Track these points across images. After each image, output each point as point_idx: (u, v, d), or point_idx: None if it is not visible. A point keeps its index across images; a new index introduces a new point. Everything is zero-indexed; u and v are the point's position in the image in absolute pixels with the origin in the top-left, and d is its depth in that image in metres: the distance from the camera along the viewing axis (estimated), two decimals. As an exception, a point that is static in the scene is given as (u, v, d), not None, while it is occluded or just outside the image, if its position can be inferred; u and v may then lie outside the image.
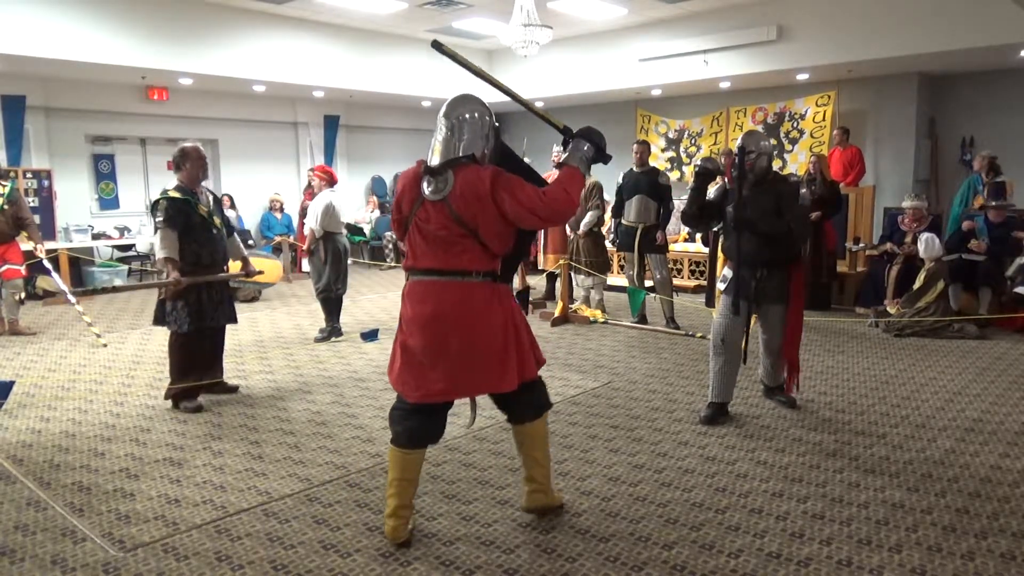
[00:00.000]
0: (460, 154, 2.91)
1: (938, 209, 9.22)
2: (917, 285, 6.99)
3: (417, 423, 3.00)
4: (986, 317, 6.83)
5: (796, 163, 10.48)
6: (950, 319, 6.76)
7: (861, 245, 8.40)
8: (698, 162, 4.60)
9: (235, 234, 5.16)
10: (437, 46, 3.05)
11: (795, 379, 4.69)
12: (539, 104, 13.41)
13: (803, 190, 4.56)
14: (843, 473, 3.71)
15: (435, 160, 2.94)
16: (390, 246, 12.48)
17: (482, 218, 2.87)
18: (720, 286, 4.64)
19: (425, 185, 2.96)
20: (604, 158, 3.09)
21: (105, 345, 6.69)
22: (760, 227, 4.35)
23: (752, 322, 4.67)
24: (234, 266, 5.15)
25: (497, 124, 3.07)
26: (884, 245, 7.77)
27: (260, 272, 5.33)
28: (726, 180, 4.67)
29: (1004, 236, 7.22)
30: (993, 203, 7.44)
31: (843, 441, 4.15)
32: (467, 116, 2.96)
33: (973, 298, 7.29)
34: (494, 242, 2.93)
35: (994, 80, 9.91)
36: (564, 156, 3.04)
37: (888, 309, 7.25)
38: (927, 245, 6.92)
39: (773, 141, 10.71)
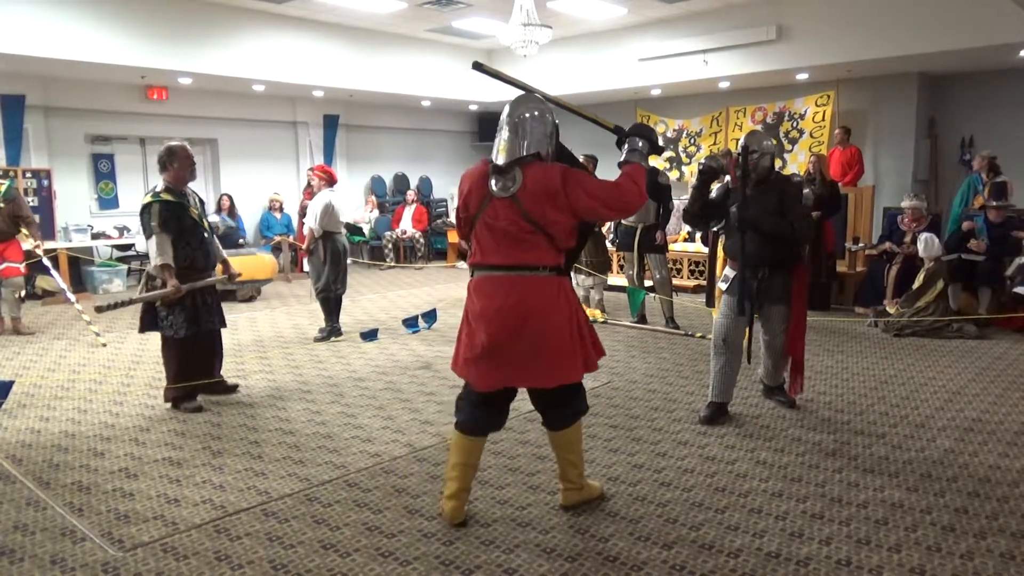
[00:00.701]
0: (525, 152, 2.99)
1: (937, 209, 9.23)
2: (916, 285, 7.00)
3: (483, 412, 3.16)
4: (986, 317, 6.84)
5: (796, 163, 10.48)
6: (949, 319, 6.76)
7: (860, 245, 8.40)
8: (700, 161, 4.57)
9: (214, 236, 5.12)
10: (478, 66, 3.20)
11: (800, 379, 4.65)
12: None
13: (806, 190, 4.56)
14: (842, 473, 3.71)
15: (501, 159, 3.01)
16: (389, 246, 12.49)
17: (552, 214, 2.96)
18: (721, 286, 4.63)
19: (493, 183, 3.04)
20: (658, 150, 3.26)
21: (104, 345, 6.69)
22: (763, 227, 4.34)
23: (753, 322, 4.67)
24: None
25: (557, 122, 3.12)
26: (883, 245, 7.78)
27: (239, 274, 5.32)
28: (728, 179, 4.67)
29: (1004, 236, 7.22)
30: (994, 203, 7.44)
31: (842, 441, 4.15)
32: (529, 115, 3.04)
33: (972, 298, 7.30)
34: (562, 236, 3.02)
35: (994, 80, 9.91)
36: (624, 155, 3.16)
37: (887, 309, 7.25)
38: (927, 245, 6.92)
39: (773, 141, 10.72)
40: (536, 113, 3.04)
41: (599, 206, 2.99)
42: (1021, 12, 7.13)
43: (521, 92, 3.15)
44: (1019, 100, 9.70)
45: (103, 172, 10.98)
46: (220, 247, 5.19)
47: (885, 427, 4.37)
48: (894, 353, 6.17)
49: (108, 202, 11.04)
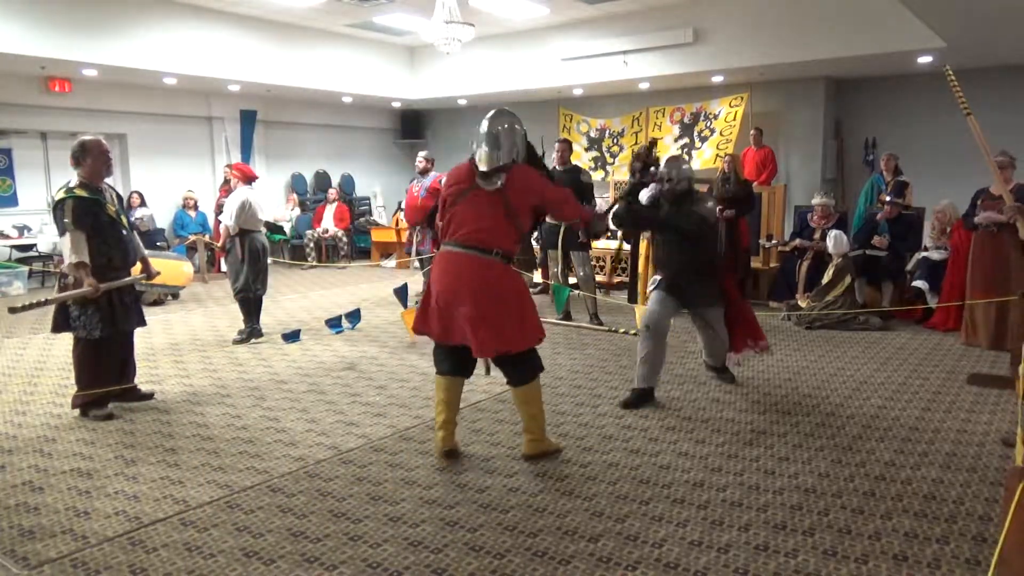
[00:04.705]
0: (503, 161, 3.65)
1: (844, 207, 9.67)
2: (826, 279, 7.32)
3: (445, 356, 3.85)
4: (889, 310, 7.22)
5: (701, 159, 10.77)
6: (856, 312, 7.11)
7: (774, 242, 8.72)
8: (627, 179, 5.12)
9: (135, 233, 4.93)
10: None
11: (746, 341, 5.10)
12: (462, 103, 13.40)
13: (709, 203, 5.00)
14: (759, 461, 3.85)
15: (483, 166, 3.66)
16: (311, 245, 12.23)
17: (526, 206, 3.70)
18: (650, 288, 5.13)
19: (479, 179, 3.68)
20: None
21: None
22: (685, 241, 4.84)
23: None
24: (134, 268, 4.93)
25: (525, 130, 3.79)
26: (795, 241, 8.10)
27: (158, 272, 5.12)
28: (655, 188, 5.06)
29: (903, 232, 7.64)
30: (888, 199, 7.85)
31: (759, 430, 4.31)
32: (505, 127, 3.68)
33: (877, 291, 7.69)
34: (525, 224, 3.75)
35: (894, 85, 10.48)
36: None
37: (799, 303, 7.56)
38: (836, 241, 7.25)
39: (687, 140, 11.03)
40: (512, 125, 3.71)
41: (556, 206, 3.82)
42: (919, 22, 7.56)
43: (497, 109, 3.77)
44: (918, 104, 10.28)
45: None
46: (141, 245, 5.00)
47: (798, 416, 4.56)
48: (805, 345, 6.44)
49: (6, 200, 10.40)
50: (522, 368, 3.77)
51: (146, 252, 5.07)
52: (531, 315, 3.73)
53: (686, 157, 5.44)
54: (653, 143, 5.23)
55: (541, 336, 3.77)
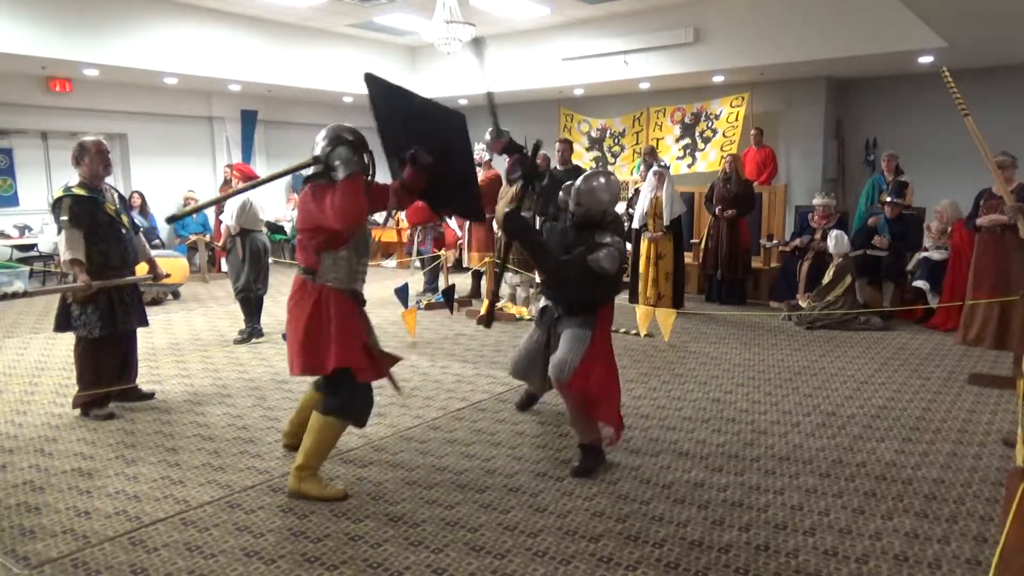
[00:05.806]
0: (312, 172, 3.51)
1: (844, 207, 9.67)
2: (826, 280, 7.32)
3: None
4: (889, 310, 7.22)
5: (706, 161, 10.77)
6: (857, 312, 7.11)
7: (774, 242, 8.72)
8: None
9: (140, 234, 4.95)
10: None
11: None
12: (463, 102, 13.40)
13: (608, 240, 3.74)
14: (760, 462, 3.84)
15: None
16: (312, 245, 12.21)
17: (305, 223, 3.42)
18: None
19: None
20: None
21: None
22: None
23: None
24: (140, 268, 4.93)
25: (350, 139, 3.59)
26: (795, 241, 8.10)
27: (168, 275, 5.13)
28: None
29: (904, 232, 7.64)
30: (889, 199, 7.86)
31: (759, 431, 4.30)
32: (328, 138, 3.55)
33: (877, 291, 7.69)
34: (312, 239, 3.40)
35: (895, 85, 10.47)
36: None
37: (800, 303, 7.56)
38: (836, 241, 7.25)
39: (688, 140, 11.03)
40: (331, 138, 3.54)
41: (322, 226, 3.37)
42: (920, 21, 7.56)
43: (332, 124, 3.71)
44: (918, 104, 10.27)
45: (0, 168, 10.35)
46: (147, 246, 5.00)
47: (799, 416, 4.56)
48: (806, 345, 6.44)
49: (7, 199, 10.40)
50: (327, 394, 3.43)
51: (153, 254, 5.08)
52: (327, 338, 3.28)
53: (608, 178, 4.01)
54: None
55: (332, 365, 3.25)
